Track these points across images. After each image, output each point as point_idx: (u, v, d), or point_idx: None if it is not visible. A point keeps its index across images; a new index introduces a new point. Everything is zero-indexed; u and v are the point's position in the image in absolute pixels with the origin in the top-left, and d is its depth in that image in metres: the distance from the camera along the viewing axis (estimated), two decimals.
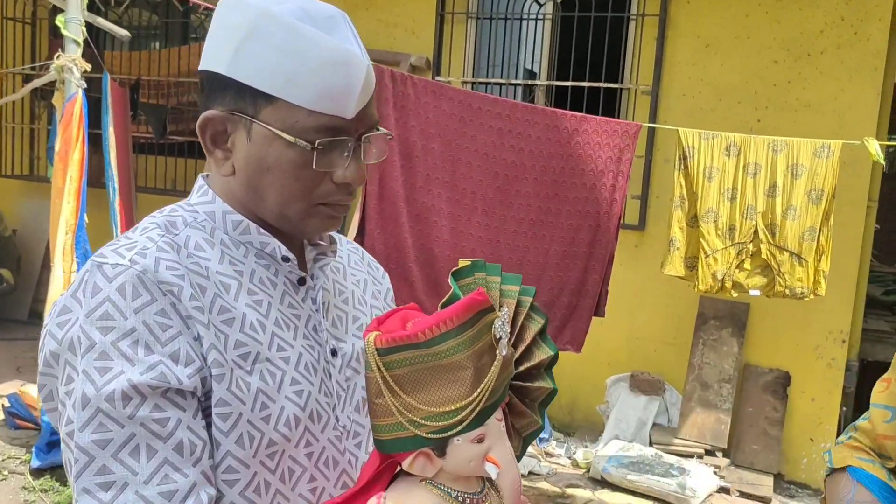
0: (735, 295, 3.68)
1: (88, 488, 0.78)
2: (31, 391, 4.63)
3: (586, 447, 4.53)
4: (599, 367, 4.75)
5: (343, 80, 0.87)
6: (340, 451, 0.96)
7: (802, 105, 4.33)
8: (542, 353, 1.00)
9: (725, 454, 4.41)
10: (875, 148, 3.40)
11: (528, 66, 6.02)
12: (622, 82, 4.76)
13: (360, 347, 1.01)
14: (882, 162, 3.60)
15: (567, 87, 4.81)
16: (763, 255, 3.59)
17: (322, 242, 1.02)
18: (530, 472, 4.22)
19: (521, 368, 0.95)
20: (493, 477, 0.86)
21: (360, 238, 3.67)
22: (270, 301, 0.92)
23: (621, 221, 3.71)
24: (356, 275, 1.10)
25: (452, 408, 0.84)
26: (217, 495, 0.84)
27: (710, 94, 4.49)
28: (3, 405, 4.85)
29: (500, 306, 0.91)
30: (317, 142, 0.88)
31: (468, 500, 0.89)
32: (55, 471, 3.99)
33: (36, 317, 6.29)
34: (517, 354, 0.96)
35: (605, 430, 4.57)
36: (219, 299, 0.87)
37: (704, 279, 3.63)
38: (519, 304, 0.98)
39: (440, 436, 0.85)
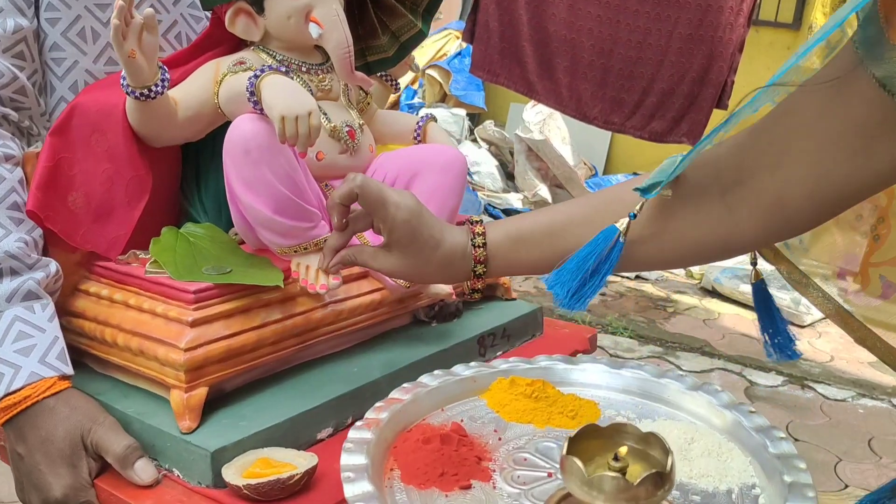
0: None
1: None
2: None
3: None
4: None
5: None
6: (194, 31, 0.94)
7: None
8: None
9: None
10: None
11: None
12: None
13: None
14: None
15: None
16: None
17: None
18: (637, 276, 4.11)
19: None
20: (315, 36, 0.81)
21: (475, 14, 3.54)
22: None
23: (758, 1, 3.32)
24: None
25: None
26: (43, 35, 0.85)
27: None
28: None
29: None
30: None
31: (304, 68, 0.85)
32: None
33: None
34: None
35: None
36: None
37: None
38: None
39: None
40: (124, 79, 0.75)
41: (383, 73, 1.01)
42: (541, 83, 3.71)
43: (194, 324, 0.70)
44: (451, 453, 0.63)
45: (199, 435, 0.68)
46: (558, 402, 0.73)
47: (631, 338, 3.21)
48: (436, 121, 0.95)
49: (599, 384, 0.78)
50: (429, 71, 5.01)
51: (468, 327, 0.93)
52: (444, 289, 0.88)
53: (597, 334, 0.83)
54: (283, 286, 0.74)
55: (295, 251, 0.78)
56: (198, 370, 0.69)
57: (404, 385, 0.72)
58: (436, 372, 0.76)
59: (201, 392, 0.69)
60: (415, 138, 0.95)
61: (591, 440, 0.60)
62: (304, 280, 0.77)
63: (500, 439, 0.68)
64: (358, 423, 0.65)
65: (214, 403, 0.72)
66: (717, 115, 3.46)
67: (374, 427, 0.65)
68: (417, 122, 0.95)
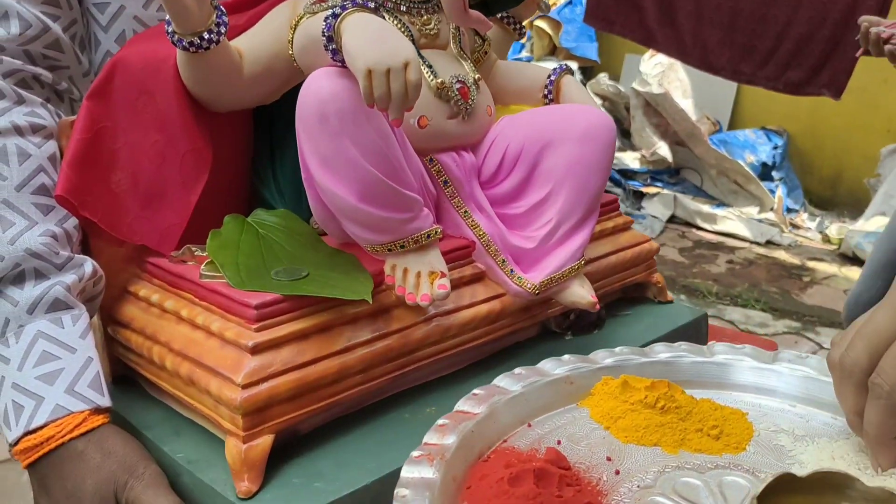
0: None
1: None
2: None
3: (843, 223, 3.95)
4: (875, 135, 4.01)
5: None
6: None
7: None
8: None
9: None
10: None
11: None
12: None
13: None
14: None
15: None
16: None
17: None
18: (768, 242, 3.78)
19: None
20: None
21: None
22: None
23: None
24: None
25: None
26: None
27: None
28: None
29: None
30: None
31: (404, 7, 0.66)
32: None
33: None
34: None
35: (869, 207, 3.92)
36: None
37: None
38: None
39: None
40: (169, 24, 0.57)
41: (505, 15, 0.80)
42: (661, 30, 3.39)
43: (256, 349, 0.53)
44: (551, 499, 0.44)
45: (261, 502, 0.51)
46: (693, 413, 0.53)
47: (764, 311, 2.92)
48: (572, 73, 0.74)
49: (744, 384, 0.58)
50: (537, 22, 4.73)
51: (613, 340, 0.73)
52: (585, 296, 0.67)
53: (778, 350, 0.62)
54: (370, 300, 0.56)
55: (389, 249, 0.60)
56: (260, 412, 0.52)
57: (475, 391, 0.53)
58: (517, 370, 0.56)
59: (265, 442, 0.52)
60: (545, 97, 0.74)
61: (784, 496, 0.41)
62: (400, 288, 0.59)
63: (616, 472, 0.48)
64: (414, 454, 0.46)
65: (285, 451, 0.55)
66: (864, 63, 3.08)
67: (438, 460, 0.46)
68: (549, 76, 0.74)
